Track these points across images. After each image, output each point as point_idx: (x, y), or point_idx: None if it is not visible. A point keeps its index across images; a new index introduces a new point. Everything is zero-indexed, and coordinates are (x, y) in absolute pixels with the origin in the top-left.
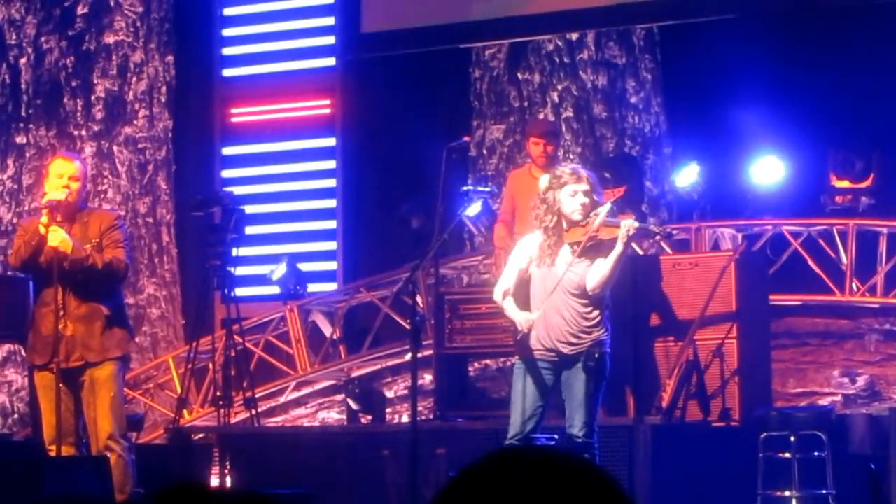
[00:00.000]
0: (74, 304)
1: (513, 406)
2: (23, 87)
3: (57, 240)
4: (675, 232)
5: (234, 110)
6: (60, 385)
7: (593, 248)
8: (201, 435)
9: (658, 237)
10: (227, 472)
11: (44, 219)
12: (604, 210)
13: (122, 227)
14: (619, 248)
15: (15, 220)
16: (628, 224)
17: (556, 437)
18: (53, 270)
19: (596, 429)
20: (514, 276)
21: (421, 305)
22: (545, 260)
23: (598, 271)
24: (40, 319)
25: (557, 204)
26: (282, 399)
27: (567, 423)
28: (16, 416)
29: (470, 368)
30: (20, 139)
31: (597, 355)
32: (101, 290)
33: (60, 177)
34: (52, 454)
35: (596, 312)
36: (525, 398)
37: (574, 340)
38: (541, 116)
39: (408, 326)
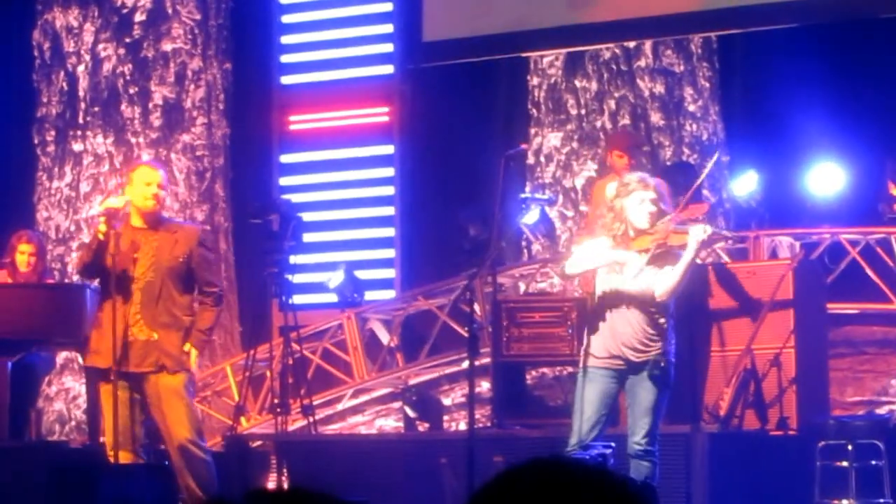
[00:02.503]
0: (157, 312)
1: (574, 413)
2: (80, 94)
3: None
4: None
5: (292, 118)
6: (124, 392)
7: (661, 256)
8: (259, 442)
9: (729, 241)
10: (284, 479)
11: (101, 226)
12: (667, 218)
13: (207, 243)
14: (688, 254)
15: (72, 228)
16: (698, 230)
17: (612, 445)
18: (128, 277)
19: (658, 438)
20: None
21: (478, 313)
22: (614, 267)
23: (666, 278)
24: (108, 324)
25: (624, 212)
26: (339, 406)
27: (629, 430)
28: (73, 423)
29: (527, 376)
30: (77, 146)
31: (662, 364)
32: (183, 302)
33: (149, 184)
34: (112, 460)
35: (662, 320)
36: (587, 406)
37: (641, 347)
38: (605, 122)
39: (465, 334)
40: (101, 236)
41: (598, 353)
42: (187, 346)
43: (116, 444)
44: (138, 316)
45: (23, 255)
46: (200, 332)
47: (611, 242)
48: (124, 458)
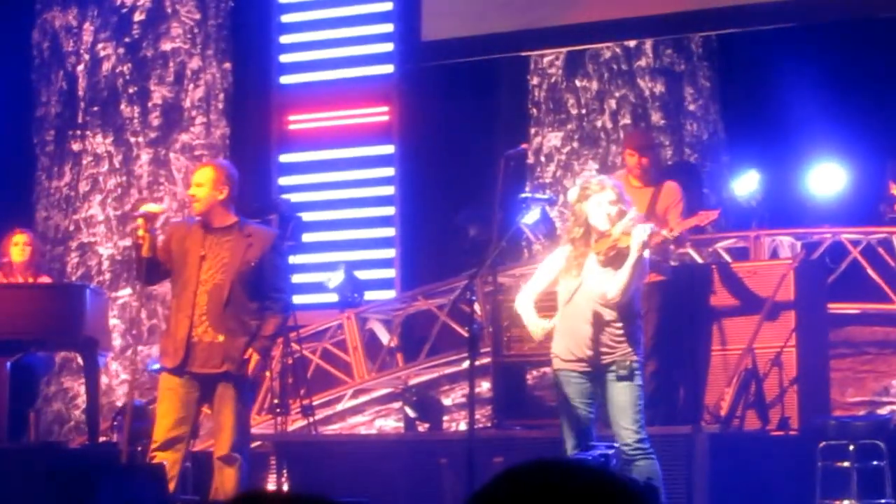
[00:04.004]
0: (225, 316)
1: (561, 419)
2: (79, 93)
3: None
4: (685, 235)
5: (291, 117)
6: (188, 392)
7: (617, 257)
8: (258, 443)
9: (670, 243)
10: (283, 479)
11: (140, 231)
12: (627, 218)
13: (279, 249)
14: (633, 254)
15: (71, 228)
16: (639, 230)
17: (615, 445)
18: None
19: (644, 434)
20: (539, 286)
21: (478, 313)
22: (572, 271)
23: (616, 279)
24: (175, 324)
25: (584, 215)
26: (339, 407)
27: (615, 435)
28: (72, 423)
29: (527, 377)
30: (76, 146)
31: (627, 363)
32: (253, 308)
33: (190, 186)
34: (157, 460)
35: (622, 322)
36: (570, 409)
37: (603, 349)
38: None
39: (465, 334)
40: (139, 240)
41: (565, 356)
42: (249, 352)
43: (164, 441)
44: (204, 317)
45: (17, 245)
46: (265, 339)
47: (570, 248)
48: (169, 457)
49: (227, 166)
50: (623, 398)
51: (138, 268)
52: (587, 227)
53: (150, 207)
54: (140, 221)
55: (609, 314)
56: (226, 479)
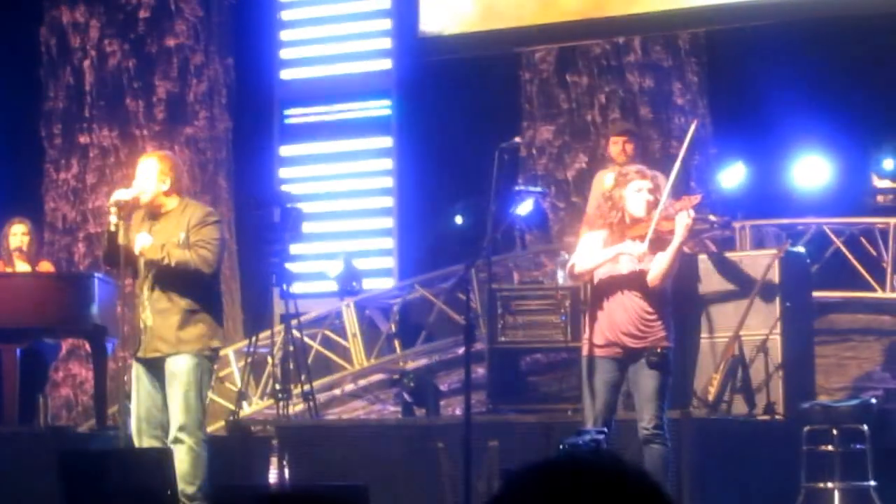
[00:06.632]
0: (156, 297)
1: (584, 402)
2: (86, 88)
3: (139, 244)
4: (729, 220)
5: (291, 111)
6: (145, 378)
7: (655, 243)
8: (260, 427)
9: (715, 226)
10: (284, 463)
11: (112, 218)
12: (665, 205)
13: (213, 223)
14: (676, 240)
15: (79, 219)
16: (683, 216)
17: (605, 430)
18: (140, 264)
19: (665, 421)
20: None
21: (474, 301)
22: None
23: (657, 264)
24: (132, 311)
25: (622, 201)
26: (338, 392)
27: (637, 416)
28: (80, 408)
29: (521, 362)
30: (83, 139)
31: (659, 350)
32: (180, 284)
33: (136, 178)
34: (132, 444)
35: (657, 307)
36: (594, 394)
37: (637, 334)
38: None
39: (461, 322)
40: (111, 227)
41: (598, 341)
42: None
43: (139, 429)
44: (146, 302)
45: (15, 235)
46: (172, 249)
47: (607, 232)
48: (146, 443)
49: (171, 156)
50: (650, 386)
51: (107, 253)
52: (624, 212)
53: (121, 195)
54: (113, 210)
55: (643, 299)
56: (177, 463)
